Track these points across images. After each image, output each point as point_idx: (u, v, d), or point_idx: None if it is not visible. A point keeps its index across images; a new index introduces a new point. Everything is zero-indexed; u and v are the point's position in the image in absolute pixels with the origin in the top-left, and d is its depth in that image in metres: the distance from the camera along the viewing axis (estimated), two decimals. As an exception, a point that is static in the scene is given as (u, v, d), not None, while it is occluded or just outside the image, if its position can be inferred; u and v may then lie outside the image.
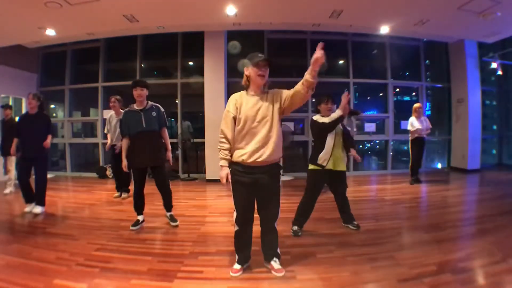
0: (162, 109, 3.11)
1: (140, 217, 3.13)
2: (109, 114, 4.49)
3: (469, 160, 6.26)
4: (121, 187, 4.45)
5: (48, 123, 3.63)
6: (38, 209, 3.56)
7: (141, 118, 2.91)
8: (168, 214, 3.21)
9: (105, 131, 4.47)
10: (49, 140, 3.54)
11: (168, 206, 3.20)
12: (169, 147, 3.17)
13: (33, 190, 3.64)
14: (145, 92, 2.95)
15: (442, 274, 2.00)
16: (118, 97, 4.33)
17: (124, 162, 2.95)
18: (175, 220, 3.16)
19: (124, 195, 4.41)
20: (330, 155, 2.82)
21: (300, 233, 2.84)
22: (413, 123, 5.21)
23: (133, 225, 3.03)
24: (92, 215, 3.58)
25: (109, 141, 4.38)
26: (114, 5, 4.28)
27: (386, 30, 5.47)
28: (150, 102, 3.05)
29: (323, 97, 2.96)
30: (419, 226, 3.04)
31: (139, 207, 3.11)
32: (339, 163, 2.91)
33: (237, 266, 2.10)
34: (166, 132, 3.14)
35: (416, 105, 5.30)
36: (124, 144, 2.98)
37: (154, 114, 2.98)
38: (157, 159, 2.99)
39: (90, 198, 4.40)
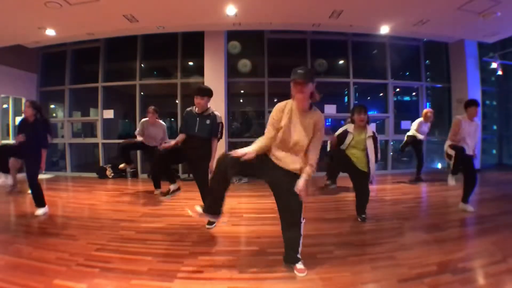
0: (219, 120, 3.02)
1: (172, 186, 3.18)
2: (143, 119, 4.74)
3: (469, 160, 6.25)
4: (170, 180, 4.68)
5: (46, 128, 3.60)
6: (39, 211, 3.53)
7: (196, 122, 2.94)
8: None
9: (137, 133, 4.70)
10: (43, 158, 3.55)
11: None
12: (214, 155, 3.01)
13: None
14: (205, 100, 2.94)
15: (442, 274, 2.00)
16: (155, 107, 4.61)
17: (169, 144, 3.02)
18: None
19: (172, 186, 4.61)
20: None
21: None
22: (422, 126, 5.21)
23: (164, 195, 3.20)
24: (92, 215, 3.57)
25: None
26: (114, 5, 4.29)
27: (386, 30, 5.48)
28: (211, 110, 3.03)
29: (357, 107, 3.14)
30: (419, 226, 3.04)
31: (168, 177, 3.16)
32: (360, 164, 3.09)
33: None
34: (215, 143, 3.03)
35: (427, 110, 5.23)
36: (180, 138, 3.06)
37: (208, 122, 2.95)
38: (198, 165, 3.01)
39: (90, 198, 4.40)
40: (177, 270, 2.12)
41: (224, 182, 2.09)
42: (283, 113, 2.06)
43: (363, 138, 3.10)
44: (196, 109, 3.00)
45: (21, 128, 3.60)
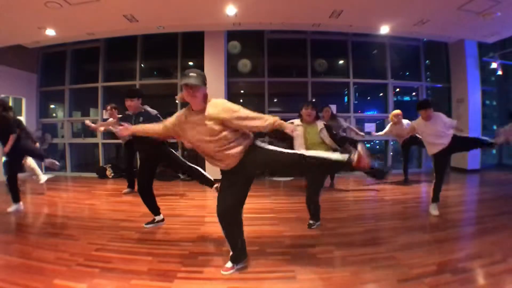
0: (153, 113, 3.00)
1: (158, 217, 3.11)
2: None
3: (469, 160, 6.26)
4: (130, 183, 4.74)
5: (7, 125, 3.55)
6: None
7: (132, 123, 2.85)
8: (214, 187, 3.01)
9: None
10: (10, 142, 3.50)
11: (205, 182, 3.03)
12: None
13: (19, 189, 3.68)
14: (134, 103, 2.92)
15: (442, 274, 2.00)
16: (114, 105, 4.57)
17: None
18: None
19: (126, 190, 4.70)
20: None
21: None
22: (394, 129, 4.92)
23: (147, 223, 3.08)
24: (92, 215, 3.57)
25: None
26: (114, 5, 4.28)
27: (386, 30, 5.47)
28: (142, 108, 3.00)
29: (305, 102, 3.07)
30: (419, 226, 3.03)
31: (149, 206, 3.08)
32: None
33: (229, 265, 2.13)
34: None
35: (393, 113, 4.93)
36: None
37: (141, 119, 2.90)
38: (160, 156, 2.98)
39: (90, 198, 4.40)
40: (177, 270, 2.12)
41: (239, 225, 2.24)
42: (180, 120, 2.02)
43: (316, 132, 2.94)
44: (130, 112, 3.00)
45: None
